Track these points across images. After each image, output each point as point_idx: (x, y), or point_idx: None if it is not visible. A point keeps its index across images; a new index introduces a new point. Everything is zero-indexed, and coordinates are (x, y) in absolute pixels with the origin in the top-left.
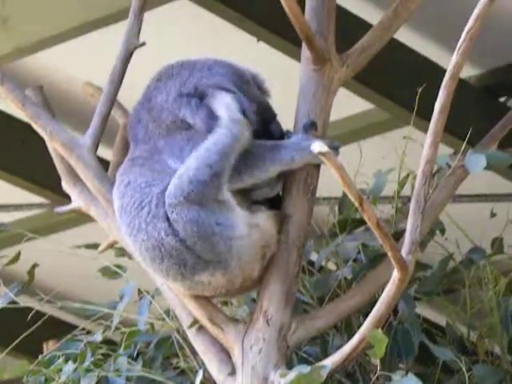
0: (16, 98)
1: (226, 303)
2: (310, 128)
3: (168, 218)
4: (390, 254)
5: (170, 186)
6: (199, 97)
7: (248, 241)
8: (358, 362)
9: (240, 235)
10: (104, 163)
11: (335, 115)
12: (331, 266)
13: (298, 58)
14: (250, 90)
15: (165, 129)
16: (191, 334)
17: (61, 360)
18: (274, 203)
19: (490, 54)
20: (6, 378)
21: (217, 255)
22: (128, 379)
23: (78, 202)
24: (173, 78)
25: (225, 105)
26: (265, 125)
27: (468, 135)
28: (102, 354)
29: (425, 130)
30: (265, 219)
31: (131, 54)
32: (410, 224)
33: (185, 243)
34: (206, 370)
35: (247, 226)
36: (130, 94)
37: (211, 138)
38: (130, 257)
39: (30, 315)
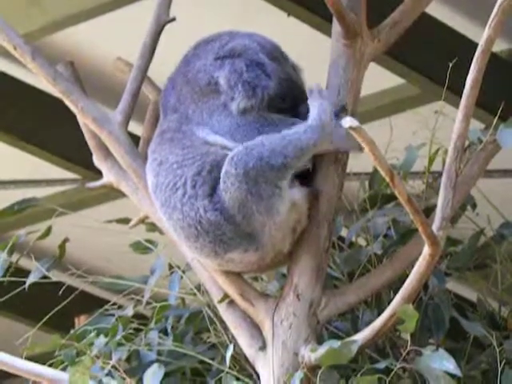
0: (47, 73)
1: (256, 278)
2: (341, 112)
3: (210, 195)
4: (420, 229)
5: (234, 154)
6: (234, 58)
7: (283, 218)
8: (388, 337)
9: (279, 218)
10: (135, 138)
11: (366, 90)
12: (361, 241)
13: (328, 32)
14: (284, 65)
15: (198, 92)
16: (222, 309)
17: (92, 334)
18: (304, 178)
19: None
20: (38, 352)
21: (252, 229)
22: (159, 353)
23: (109, 177)
24: (212, 42)
25: (322, 108)
26: (293, 103)
27: (500, 110)
28: (133, 329)
29: (456, 104)
30: (298, 195)
31: (161, 29)
32: (440, 199)
33: (227, 213)
34: (236, 345)
35: (287, 208)
36: (161, 69)
37: (296, 131)
38: (161, 232)
39: (62, 290)
